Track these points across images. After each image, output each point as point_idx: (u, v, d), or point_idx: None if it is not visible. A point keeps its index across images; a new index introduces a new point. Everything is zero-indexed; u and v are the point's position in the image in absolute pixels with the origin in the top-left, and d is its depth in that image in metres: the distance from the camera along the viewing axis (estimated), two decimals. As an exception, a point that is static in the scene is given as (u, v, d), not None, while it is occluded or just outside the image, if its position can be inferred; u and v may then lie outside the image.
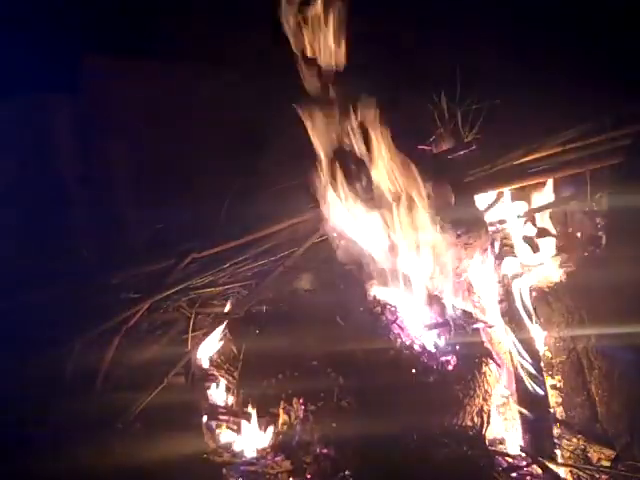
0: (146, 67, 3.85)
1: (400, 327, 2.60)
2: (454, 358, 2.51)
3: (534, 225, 3.00)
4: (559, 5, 3.29)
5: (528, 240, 2.95)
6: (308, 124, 2.65)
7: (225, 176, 3.66)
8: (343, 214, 2.76)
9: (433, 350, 2.53)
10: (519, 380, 2.58)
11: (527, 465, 2.40)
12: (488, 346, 2.69)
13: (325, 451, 2.29)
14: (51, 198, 3.74)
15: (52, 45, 3.70)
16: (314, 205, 2.87)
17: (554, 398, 2.66)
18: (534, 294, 2.81)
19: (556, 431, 2.54)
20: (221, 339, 2.96)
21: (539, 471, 2.36)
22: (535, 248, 2.93)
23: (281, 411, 2.43)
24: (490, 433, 2.55)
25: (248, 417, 2.54)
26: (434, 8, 3.50)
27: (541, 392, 2.53)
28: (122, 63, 3.80)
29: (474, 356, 2.55)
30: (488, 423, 2.54)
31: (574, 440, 2.53)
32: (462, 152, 3.15)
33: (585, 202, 2.85)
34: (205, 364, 2.93)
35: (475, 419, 2.46)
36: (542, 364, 2.65)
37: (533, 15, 3.33)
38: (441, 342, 2.57)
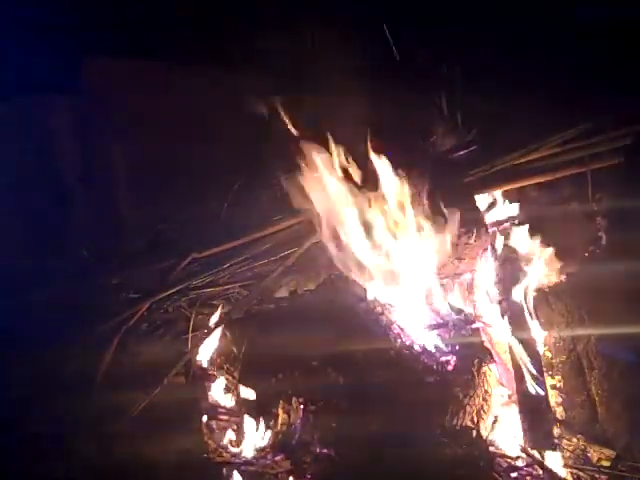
0: (146, 67, 3.85)
1: (400, 327, 2.60)
2: (454, 358, 2.51)
3: (533, 225, 3.00)
4: (559, 5, 3.29)
5: (528, 240, 2.95)
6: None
7: (225, 176, 3.66)
8: (340, 214, 2.76)
9: (433, 350, 2.53)
10: (519, 380, 2.58)
11: (527, 465, 2.40)
12: (488, 346, 2.69)
13: (325, 451, 2.29)
14: (51, 198, 3.74)
15: (52, 45, 3.70)
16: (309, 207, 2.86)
17: (554, 398, 2.65)
18: (534, 294, 2.81)
19: (556, 431, 2.54)
20: (221, 339, 2.97)
21: (539, 471, 2.37)
22: (534, 248, 2.93)
23: (281, 411, 2.43)
24: (490, 433, 2.55)
25: (248, 417, 2.54)
26: (434, 8, 3.50)
27: (541, 392, 2.53)
28: (122, 63, 3.80)
29: (474, 356, 2.55)
30: (488, 423, 2.54)
31: (574, 440, 2.52)
32: (462, 152, 3.15)
33: (585, 202, 2.85)
34: (205, 364, 2.93)
35: (475, 419, 2.46)
36: (542, 364, 2.65)
37: (533, 15, 3.33)
38: (441, 342, 2.58)
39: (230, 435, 2.60)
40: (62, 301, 3.05)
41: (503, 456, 2.45)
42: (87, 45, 3.76)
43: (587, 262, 2.78)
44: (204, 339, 2.93)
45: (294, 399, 2.40)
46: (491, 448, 2.46)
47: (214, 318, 3.10)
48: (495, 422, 2.59)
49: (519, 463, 2.42)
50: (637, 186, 2.56)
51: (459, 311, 2.77)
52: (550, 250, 2.95)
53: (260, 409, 2.52)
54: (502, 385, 2.71)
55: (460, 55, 3.38)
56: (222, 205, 3.59)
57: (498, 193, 3.08)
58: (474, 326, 2.71)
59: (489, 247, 2.90)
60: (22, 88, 3.65)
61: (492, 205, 3.09)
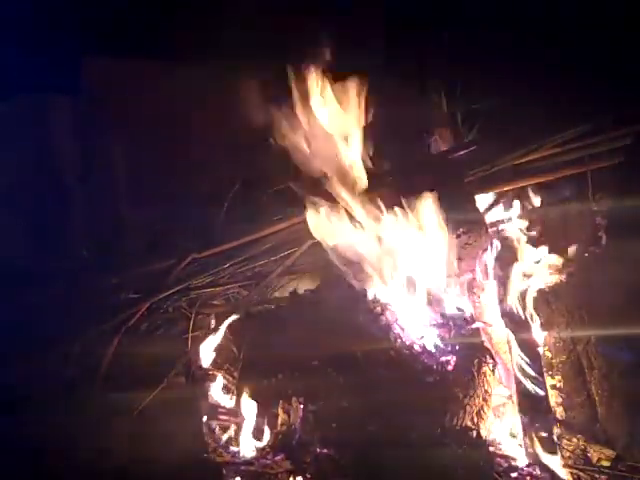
0: (146, 67, 3.85)
1: (400, 327, 2.60)
2: (454, 358, 2.51)
3: (533, 225, 3.00)
4: (559, 6, 3.29)
5: (528, 240, 2.95)
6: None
7: (225, 176, 3.66)
8: (339, 215, 2.76)
9: (433, 350, 2.53)
10: (519, 380, 2.58)
11: (527, 465, 2.40)
12: (488, 346, 2.69)
13: (325, 451, 2.29)
14: (51, 198, 3.74)
15: (52, 45, 3.70)
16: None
17: (554, 398, 2.65)
18: (534, 294, 2.81)
19: (556, 431, 2.54)
20: (221, 339, 2.96)
21: (539, 471, 2.37)
22: (535, 248, 2.93)
23: (281, 411, 2.43)
24: (490, 433, 2.55)
25: (248, 417, 2.54)
26: (436, 9, 3.50)
27: (541, 392, 2.53)
28: (122, 63, 3.80)
29: (474, 356, 2.55)
30: (488, 423, 2.54)
31: (574, 440, 2.52)
32: (462, 152, 3.15)
33: (585, 202, 2.85)
34: (205, 364, 2.93)
35: (475, 419, 2.46)
36: (542, 364, 2.65)
37: (533, 15, 3.33)
38: (441, 342, 2.57)
39: (230, 435, 2.60)
40: (62, 301, 3.05)
41: (503, 456, 2.45)
42: (87, 45, 3.76)
43: (587, 262, 2.78)
44: (204, 339, 2.93)
45: (294, 399, 2.40)
46: (491, 448, 2.46)
47: (214, 318, 3.11)
48: (495, 422, 2.59)
49: (519, 463, 2.42)
50: (637, 186, 2.56)
51: (459, 311, 2.76)
52: (550, 250, 2.95)
53: (260, 409, 2.52)
54: (502, 385, 2.71)
55: (460, 55, 3.38)
56: (222, 205, 3.59)
57: (498, 193, 3.08)
58: (474, 326, 2.71)
59: (489, 247, 2.89)
60: (22, 88, 3.66)
61: (492, 205, 3.09)
